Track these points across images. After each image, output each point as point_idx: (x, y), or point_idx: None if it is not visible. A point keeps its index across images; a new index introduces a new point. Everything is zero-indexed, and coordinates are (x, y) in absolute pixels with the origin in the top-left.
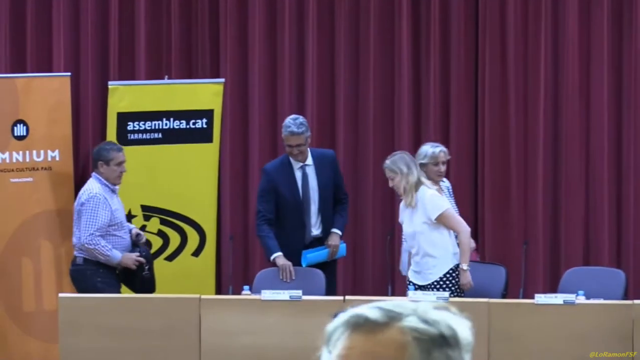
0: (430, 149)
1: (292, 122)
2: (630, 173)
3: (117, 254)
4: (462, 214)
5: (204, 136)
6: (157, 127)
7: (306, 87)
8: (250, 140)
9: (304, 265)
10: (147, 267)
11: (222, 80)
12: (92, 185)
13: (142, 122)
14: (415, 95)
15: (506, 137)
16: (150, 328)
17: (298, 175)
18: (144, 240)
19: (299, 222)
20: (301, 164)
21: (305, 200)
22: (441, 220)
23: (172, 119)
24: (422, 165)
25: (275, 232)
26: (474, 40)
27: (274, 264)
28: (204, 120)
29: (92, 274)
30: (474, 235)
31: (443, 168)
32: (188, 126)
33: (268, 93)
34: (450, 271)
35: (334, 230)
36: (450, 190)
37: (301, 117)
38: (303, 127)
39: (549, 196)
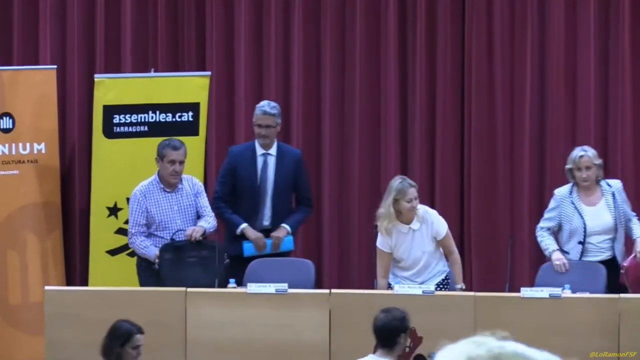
0: (574, 152)
1: (266, 103)
2: (617, 169)
3: (153, 250)
4: (448, 209)
5: (190, 129)
6: (143, 120)
7: (292, 81)
8: (236, 133)
9: (244, 255)
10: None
11: (208, 73)
12: (144, 181)
13: (128, 115)
14: (402, 90)
15: (493, 132)
16: (136, 321)
17: (259, 161)
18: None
19: (252, 208)
20: (264, 151)
21: (262, 188)
22: (446, 239)
23: (158, 112)
24: (569, 171)
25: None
26: (460, 37)
27: (241, 236)
28: (190, 114)
29: (138, 267)
30: (460, 229)
31: (585, 174)
32: (174, 119)
33: (254, 86)
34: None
35: (283, 224)
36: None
37: (275, 104)
38: (275, 111)
39: (535, 191)
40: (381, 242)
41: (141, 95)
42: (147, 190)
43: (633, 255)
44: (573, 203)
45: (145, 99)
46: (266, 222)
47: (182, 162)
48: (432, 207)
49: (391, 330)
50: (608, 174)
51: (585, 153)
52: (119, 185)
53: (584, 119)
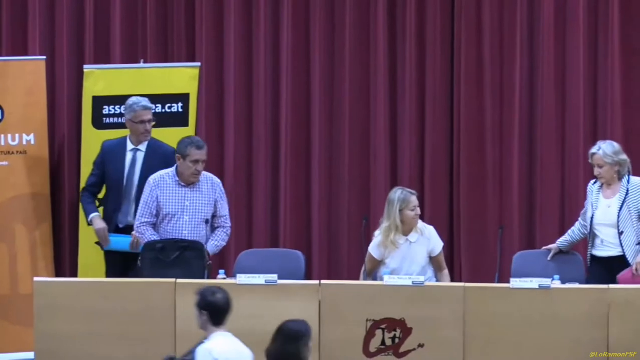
0: (591, 150)
1: (140, 98)
2: None
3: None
4: (438, 201)
5: (179, 120)
6: None
7: (281, 72)
8: (226, 124)
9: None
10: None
11: (198, 64)
12: (161, 171)
13: (118, 106)
14: (391, 83)
15: (482, 124)
16: (125, 312)
17: (128, 157)
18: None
19: (118, 203)
20: (134, 146)
21: (128, 183)
22: (439, 257)
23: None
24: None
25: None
26: (449, 29)
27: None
28: (180, 104)
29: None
30: (450, 220)
31: (597, 171)
32: (164, 110)
33: (243, 77)
34: None
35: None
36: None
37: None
38: (151, 104)
39: (524, 182)
40: (374, 248)
41: (131, 86)
42: (162, 180)
43: (629, 269)
44: (592, 194)
45: (134, 90)
46: (131, 218)
47: (204, 162)
48: (422, 198)
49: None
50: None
51: (597, 151)
52: None
53: (574, 110)
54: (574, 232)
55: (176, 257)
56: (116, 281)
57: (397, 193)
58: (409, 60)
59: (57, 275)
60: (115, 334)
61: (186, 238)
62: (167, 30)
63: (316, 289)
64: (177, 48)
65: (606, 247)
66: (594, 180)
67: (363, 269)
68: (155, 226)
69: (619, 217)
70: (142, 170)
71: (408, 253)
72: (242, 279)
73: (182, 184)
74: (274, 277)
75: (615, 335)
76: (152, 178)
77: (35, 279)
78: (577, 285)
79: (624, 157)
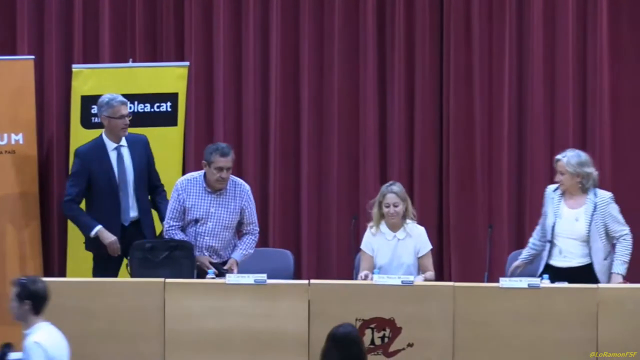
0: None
1: (114, 94)
2: (595, 157)
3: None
4: (427, 200)
5: (168, 119)
6: None
7: (270, 70)
8: (215, 123)
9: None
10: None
11: (187, 63)
12: (191, 173)
13: None
14: (380, 80)
15: (471, 123)
16: (114, 311)
17: (113, 156)
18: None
19: (114, 204)
20: (115, 144)
21: (122, 181)
22: (425, 258)
23: (136, 103)
24: None
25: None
26: (438, 26)
27: (95, 240)
28: (169, 104)
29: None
30: (439, 219)
31: (559, 178)
32: (153, 109)
33: (232, 76)
34: None
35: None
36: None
37: None
38: (125, 99)
39: (513, 180)
40: (365, 245)
41: (119, 85)
42: (189, 184)
43: None
44: (553, 201)
45: (123, 90)
46: (134, 213)
47: (229, 169)
48: (411, 198)
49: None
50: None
51: (562, 158)
52: None
53: (563, 109)
54: (535, 244)
55: (165, 256)
56: (105, 280)
57: (384, 185)
58: (397, 60)
59: (46, 275)
60: (104, 333)
61: (210, 244)
62: (156, 30)
63: (305, 289)
64: (165, 47)
65: (565, 258)
66: (554, 187)
67: (355, 271)
68: (183, 229)
69: (589, 232)
70: (135, 164)
71: (395, 250)
72: (232, 278)
73: (209, 190)
74: (263, 276)
75: (604, 335)
76: (180, 181)
77: None
78: (566, 285)
79: (589, 170)
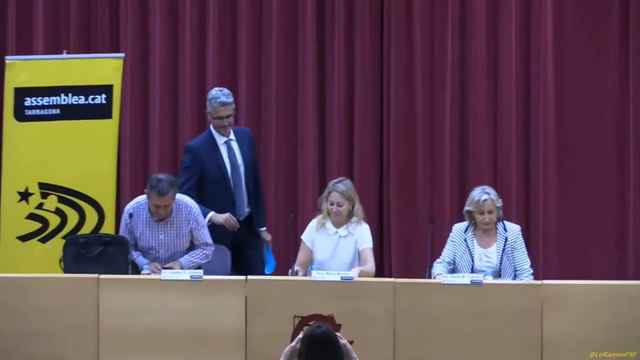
0: (474, 194)
1: (220, 92)
2: (539, 151)
3: (142, 260)
4: (367, 192)
5: (103, 112)
6: (55, 103)
7: (207, 63)
8: (151, 116)
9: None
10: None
11: (122, 55)
12: (138, 198)
13: (40, 98)
14: (320, 74)
15: (412, 117)
16: (47, 308)
17: (223, 150)
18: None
19: (227, 199)
20: (226, 138)
21: (235, 176)
22: (366, 252)
23: (70, 95)
24: (467, 213)
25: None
26: (379, 22)
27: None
28: (103, 96)
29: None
30: (379, 214)
31: (488, 217)
32: (87, 102)
33: (169, 68)
34: None
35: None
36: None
37: (225, 88)
38: (231, 97)
39: (455, 174)
40: (306, 236)
41: (53, 77)
42: (136, 211)
43: None
44: (466, 241)
45: (57, 82)
46: (247, 208)
47: (167, 207)
48: None
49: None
50: (529, 156)
51: (488, 196)
52: (30, 170)
53: (506, 103)
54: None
55: (99, 252)
56: (36, 276)
57: (331, 182)
58: (337, 54)
59: None
60: (37, 331)
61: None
62: (91, 21)
63: (242, 285)
64: (100, 39)
65: None
66: (464, 226)
67: (292, 266)
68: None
69: (500, 265)
70: (243, 157)
71: (336, 247)
72: (167, 274)
73: (157, 219)
74: (200, 272)
75: (549, 331)
76: (127, 208)
77: None
78: (509, 281)
79: (501, 200)
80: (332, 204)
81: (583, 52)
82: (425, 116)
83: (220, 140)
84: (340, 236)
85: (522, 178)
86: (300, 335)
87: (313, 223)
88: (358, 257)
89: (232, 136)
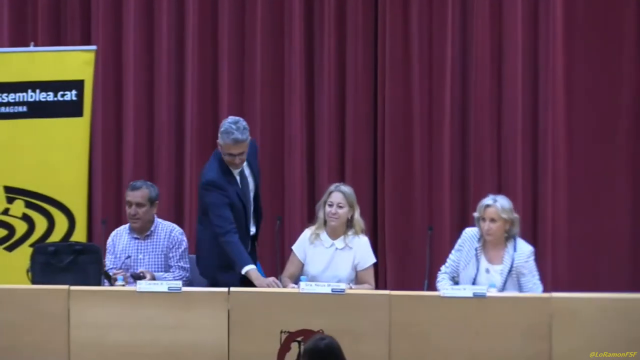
0: (483, 200)
1: (234, 127)
2: (547, 154)
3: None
4: (360, 198)
5: (73, 109)
6: (21, 99)
7: (186, 56)
8: (124, 113)
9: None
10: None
11: (94, 47)
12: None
13: (5, 94)
14: (309, 69)
15: (409, 114)
16: (13, 321)
17: (237, 179)
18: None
19: (242, 226)
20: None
21: (246, 203)
22: (366, 271)
23: (38, 91)
24: (476, 220)
25: None
26: (373, 12)
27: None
28: (74, 92)
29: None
30: (373, 221)
31: (488, 226)
32: (56, 98)
33: (144, 62)
34: None
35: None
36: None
37: (241, 119)
38: (247, 132)
39: (456, 177)
40: (297, 247)
41: (19, 72)
42: (117, 234)
43: None
44: (476, 251)
45: (24, 77)
46: (253, 228)
47: (140, 205)
48: None
49: None
50: (537, 160)
51: (493, 203)
52: None
53: (511, 99)
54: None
55: (70, 261)
56: (5, 287)
57: (332, 185)
58: (327, 47)
59: None
60: (4, 344)
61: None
62: (60, 12)
63: (225, 297)
64: (70, 30)
65: None
66: (475, 233)
67: (280, 277)
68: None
69: (503, 287)
70: (254, 180)
71: (331, 260)
72: (143, 286)
73: (136, 235)
74: (178, 284)
75: (558, 347)
76: (112, 234)
77: None
78: (516, 294)
79: (517, 215)
80: (331, 205)
81: (594, 45)
82: (423, 116)
83: (234, 169)
84: (337, 248)
85: (529, 182)
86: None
87: (306, 233)
88: (355, 274)
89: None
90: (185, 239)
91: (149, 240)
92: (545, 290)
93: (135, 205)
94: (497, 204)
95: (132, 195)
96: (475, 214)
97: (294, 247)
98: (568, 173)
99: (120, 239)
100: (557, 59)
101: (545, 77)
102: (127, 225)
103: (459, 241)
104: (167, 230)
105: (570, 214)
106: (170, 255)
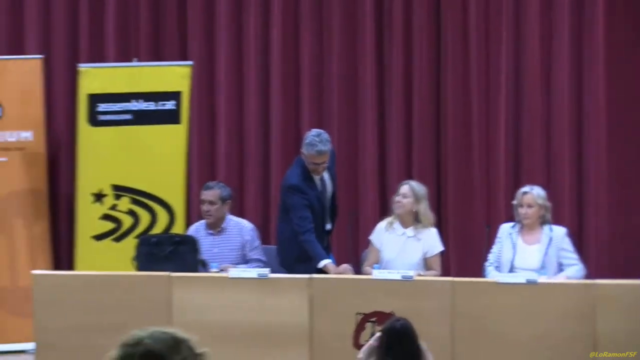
0: (520, 189)
1: (317, 139)
2: (590, 155)
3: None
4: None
5: (172, 117)
6: (126, 108)
7: (271, 71)
8: (217, 122)
9: None
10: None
11: (190, 63)
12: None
13: (112, 104)
14: (379, 78)
15: (468, 121)
16: (123, 304)
17: (318, 184)
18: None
19: (320, 227)
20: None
21: (324, 205)
22: (433, 259)
23: (141, 101)
24: (514, 207)
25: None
26: (435, 28)
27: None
28: (173, 102)
29: None
30: (438, 217)
31: (525, 210)
32: (157, 108)
33: (234, 76)
34: None
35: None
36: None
37: (323, 131)
38: (328, 144)
39: (510, 179)
40: (374, 237)
41: (124, 84)
42: (195, 229)
43: None
44: (511, 237)
45: (128, 88)
46: (329, 225)
47: (212, 202)
48: None
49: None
50: (582, 157)
51: (530, 191)
52: (103, 172)
53: (559, 106)
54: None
55: (170, 251)
56: (112, 274)
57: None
58: (395, 59)
59: (55, 269)
60: (112, 325)
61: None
62: (160, 30)
63: (306, 283)
64: (169, 47)
65: None
66: (511, 224)
67: (361, 261)
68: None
69: (542, 264)
70: (333, 183)
71: (403, 247)
72: (235, 272)
73: (210, 231)
74: (266, 271)
75: (601, 331)
76: (189, 230)
77: (34, 272)
78: (563, 281)
79: (549, 203)
80: (398, 195)
81: (635, 57)
82: (480, 121)
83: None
84: (408, 236)
85: (575, 178)
86: (379, 333)
87: (382, 224)
88: (424, 261)
89: None
90: (257, 234)
91: (222, 236)
92: (589, 277)
93: (208, 203)
94: (534, 192)
95: (205, 194)
96: (514, 202)
97: (371, 237)
98: (609, 173)
99: (197, 233)
100: (599, 69)
101: (588, 85)
102: (203, 222)
103: (497, 236)
104: (239, 226)
105: (611, 205)
106: (247, 250)
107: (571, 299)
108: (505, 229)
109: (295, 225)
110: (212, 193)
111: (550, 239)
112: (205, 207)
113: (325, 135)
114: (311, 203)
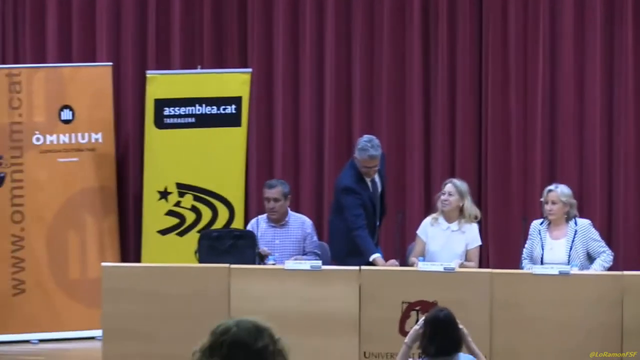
0: (547, 187)
1: (369, 144)
2: (620, 154)
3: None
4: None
5: (233, 121)
6: (190, 112)
7: (325, 79)
8: (274, 125)
9: None
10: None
11: (250, 70)
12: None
13: (177, 108)
14: (425, 85)
15: (507, 123)
16: (184, 294)
17: (369, 185)
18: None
19: (371, 222)
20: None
21: (375, 204)
22: (472, 251)
23: (204, 105)
24: (542, 204)
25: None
26: (477, 37)
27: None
28: (233, 107)
29: None
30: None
31: (550, 207)
32: (219, 111)
33: (290, 83)
34: None
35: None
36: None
37: (374, 137)
38: (379, 149)
39: (545, 178)
40: (421, 230)
41: (189, 89)
42: (257, 222)
43: None
44: (540, 233)
45: (192, 93)
46: (377, 222)
47: (276, 200)
48: None
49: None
50: (612, 158)
51: (555, 189)
52: (168, 172)
53: (591, 110)
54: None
55: (230, 245)
56: (176, 266)
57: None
58: (441, 66)
59: (123, 261)
60: (174, 313)
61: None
62: (222, 39)
63: (356, 274)
64: (230, 55)
65: None
66: (540, 221)
67: (407, 253)
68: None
69: (569, 256)
70: (382, 185)
71: (448, 240)
72: (290, 264)
73: (272, 224)
74: (319, 263)
75: (629, 318)
76: (249, 225)
77: (103, 264)
78: (594, 272)
79: (574, 200)
80: (443, 194)
81: None
82: (519, 124)
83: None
84: (452, 230)
85: (605, 177)
86: (422, 321)
87: (428, 219)
88: (465, 253)
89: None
90: (314, 230)
91: (284, 229)
92: (617, 268)
93: (273, 200)
94: (558, 190)
95: (269, 193)
96: (542, 199)
97: (418, 231)
98: (637, 171)
99: (259, 226)
100: (629, 80)
101: (618, 94)
102: (264, 215)
103: (529, 231)
104: (299, 221)
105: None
106: (306, 244)
107: (601, 289)
108: (535, 225)
109: (349, 222)
110: (275, 191)
111: (575, 232)
112: (270, 205)
113: (376, 141)
114: (364, 202)
